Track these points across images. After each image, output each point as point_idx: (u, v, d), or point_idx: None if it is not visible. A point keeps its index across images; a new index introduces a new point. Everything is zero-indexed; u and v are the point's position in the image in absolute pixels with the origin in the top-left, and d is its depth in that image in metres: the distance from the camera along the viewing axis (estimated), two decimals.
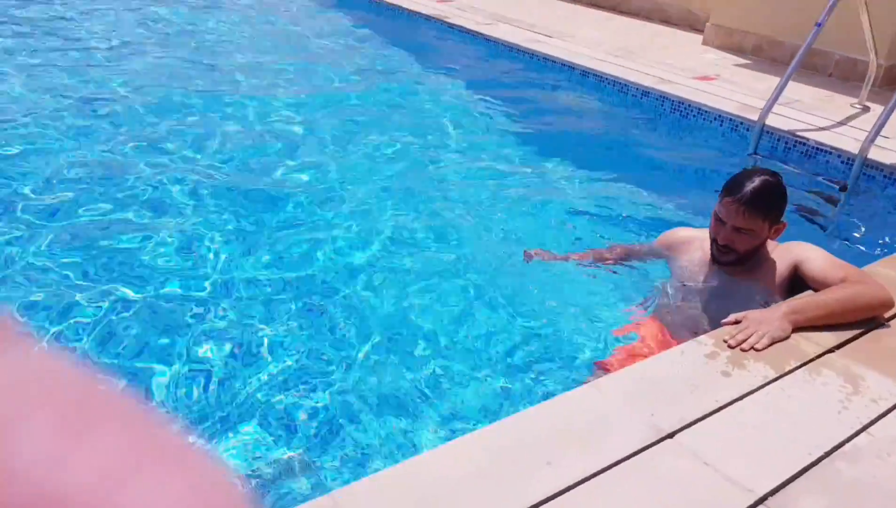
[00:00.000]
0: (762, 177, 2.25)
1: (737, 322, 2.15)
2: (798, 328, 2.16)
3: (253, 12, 7.78)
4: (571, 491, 1.50)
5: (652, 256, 2.71)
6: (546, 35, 6.62)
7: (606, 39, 6.72)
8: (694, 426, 1.74)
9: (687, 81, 5.35)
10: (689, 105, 4.92)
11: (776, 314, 2.16)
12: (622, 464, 1.59)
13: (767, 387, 1.92)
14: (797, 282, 2.34)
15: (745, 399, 1.86)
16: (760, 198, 2.23)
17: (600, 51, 6.14)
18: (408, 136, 4.42)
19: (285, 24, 7.52)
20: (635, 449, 1.65)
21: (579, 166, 4.16)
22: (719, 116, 4.75)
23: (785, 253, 2.36)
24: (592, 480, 1.54)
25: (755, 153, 4.37)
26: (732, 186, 2.25)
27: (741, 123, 4.62)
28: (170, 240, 3.03)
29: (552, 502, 1.47)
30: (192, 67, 5.43)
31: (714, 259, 2.39)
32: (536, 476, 1.53)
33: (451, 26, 6.91)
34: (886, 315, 2.28)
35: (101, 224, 3.13)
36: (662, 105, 5.10)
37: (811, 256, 2.31)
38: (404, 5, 7.58)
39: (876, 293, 2.19)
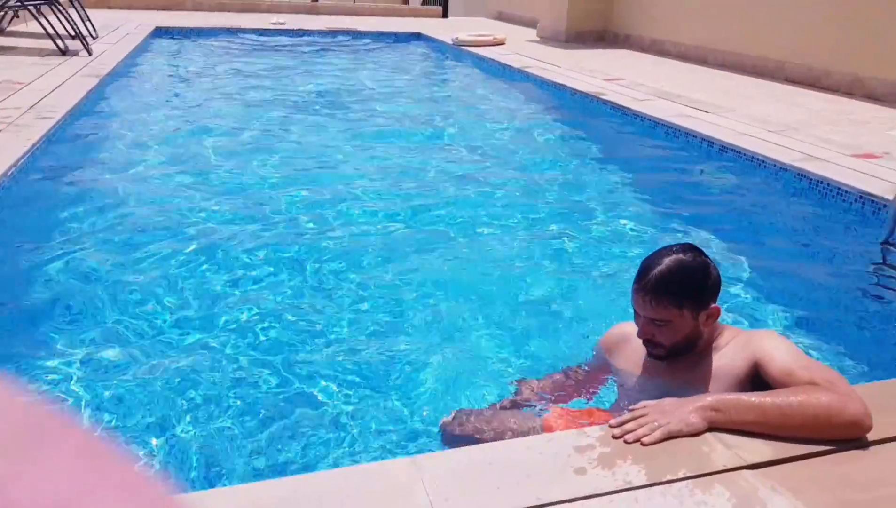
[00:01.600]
0: (673, 257, 1.85)
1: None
2: (726, 431, 1.72)
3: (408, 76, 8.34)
4: None
5: (597, 368, 2.23)
6: (702, 110, 6.17)
7: (773, 115, 6.07)
8: None
9: (838, 159, 4.62)
10: (825, 183, 4.23)
11: (688, 406, 1.75)
12: None
13: (618, 494, 1.54)
14: (760, 385, 1.86)
15: (573, 503, 1.52)
16: (669, 283, 1.83)
17: (755, 127, 5.56)
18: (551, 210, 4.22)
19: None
20: None
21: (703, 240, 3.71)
22: (858, 195, 4.02)
23: (744, 346, 1.89)
24: None
25: (888, 242, 3.60)
26: (640, 270, 1.88)
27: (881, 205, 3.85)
28: None
29: None
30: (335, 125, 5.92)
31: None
32: None
33: (605, 102, 6.75)
34: (870, 437, 1.72)
35: None
36: (799, 182, 4.45)
37: (774, 351, 1.83)
38: (567, 83, 7.59)
39: (843, 407, 1.66)
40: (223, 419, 2.25)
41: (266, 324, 2.80)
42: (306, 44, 11.38)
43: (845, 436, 1.69)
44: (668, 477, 1.59)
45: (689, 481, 1.59)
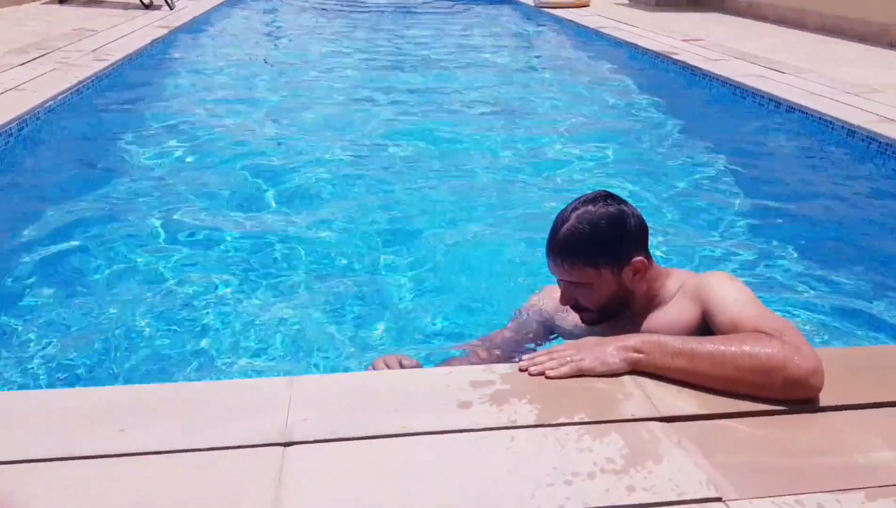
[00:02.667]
0: (580, 211, 1.61)
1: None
2: (651, 376, 1.51)
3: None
4: None
5: (541, 327, 1.93)
6: (778, 70, 5.64)
7: (857, 77, 5.46)
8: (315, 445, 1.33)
9: None
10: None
11: (609, 345, 1.54)
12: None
13: (494, 432, 1.37)
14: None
15: (440, 436, 1.36)
16: (578, 241, 1.59)
17: (831, 88, 5.02)
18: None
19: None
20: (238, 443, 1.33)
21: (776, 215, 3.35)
22: None
23: (692, 295, 1.63)
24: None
25: None
26: (551, 229, 1.64)
27: None
28: None
29: None
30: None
31: None
32: None
33: (674, 62, 6.31)
34: (824, 402, 1.46)
35: None
36: (868, 147, 3.97)
37: (722, 298, 1.55)
38: (638, 42, 7.15)
39: (786, 360, 1.39)
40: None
41: None
42: (387, 5, 11.32)
43: (789, 395, 1.43)
44: (560, 420, 1.40)
45: (583, 426, 1.39)
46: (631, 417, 1.42)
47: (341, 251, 2.82)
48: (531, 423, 1.39)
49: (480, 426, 1.38)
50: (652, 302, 1.70)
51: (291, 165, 3.62)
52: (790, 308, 2.41)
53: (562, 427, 1.38)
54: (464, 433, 1.36)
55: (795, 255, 2.86)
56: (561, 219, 1.63)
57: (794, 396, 1.44)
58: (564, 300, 1.68)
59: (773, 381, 1.41)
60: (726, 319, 1.52)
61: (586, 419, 1.41)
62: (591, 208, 1.62)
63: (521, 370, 1.56)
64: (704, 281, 1.65)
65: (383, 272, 2.69)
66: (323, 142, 4.08)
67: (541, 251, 1.71)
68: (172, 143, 3.87)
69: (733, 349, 1.44)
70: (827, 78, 5.39)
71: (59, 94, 4.13)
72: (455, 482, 1.24)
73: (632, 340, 1.54)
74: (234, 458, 1.28)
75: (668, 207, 3.34)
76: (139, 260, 2.67)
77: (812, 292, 2.56)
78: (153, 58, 5.93)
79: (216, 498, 1.19)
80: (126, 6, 8.34)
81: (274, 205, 3.23)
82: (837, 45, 7.38)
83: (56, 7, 7.91)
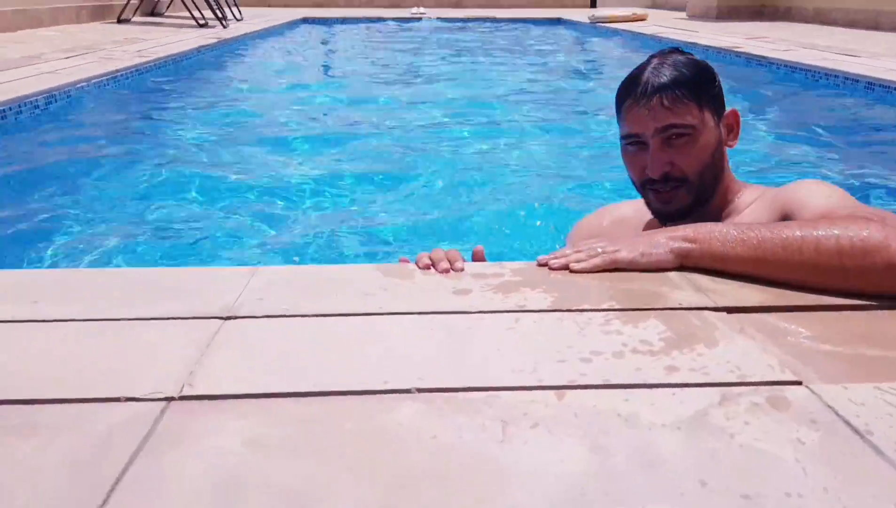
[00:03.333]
0: (670, 55, 1.32)
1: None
2: (706, 272, 1.17)
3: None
4: None
5: None
6: (852, 56, 5.20)
7: None
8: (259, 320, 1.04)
9: None
10: None
11: (653, 235, 1.22)
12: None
13: (492, 315, 1.05)
14: None
15: (421, 316, 1.05)
16: (678, 70, 1.28)
17: None
18: None
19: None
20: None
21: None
22: None
23: (772, 200, 1.29)
24: None
25: None
26: (629, 83, 1.31)
27: None
28: None
29: None
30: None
31: (662, 221, 1.35)
32: None
33: (739, 54, 5.93)
34: None
35: None
36: None
37: (809, 197, 1.21)
38: (698, 41, 6.80)
39: (887, 239, 1.04)
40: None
41: None
42: (440, 29, 11.28)
43: (890, 284, 1.07)
44: (583, 307, 1.08)
45: (613, 312, 1.06)
46: (678, 306, 1.08)
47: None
48: (545, 308, 1.08)
49: (477, 309, 1.07)
50: (725, 209, 1.36)
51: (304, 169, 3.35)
52: None
53: (584, 313, 1.06)
54: (454, 315, 1.06)
55: None
56: (646, 66, 1.31)
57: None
58: (657, 167, 1.27)
59: (872, 264, 1.05)
60: (811, 214, 1.17)
61: (617, 307, 1.08)
62: (678, 54, 1.33)
63: (539, 264, 1.25)
64: (787, 187, 1.31)
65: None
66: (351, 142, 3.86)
67: None
68: (193, 134, 3.67)
69: (817, 232, 1.08)
70: None
71: (93, 77, 4.08)
72: (430, 354, 0.93)
73: (681, 229, 1.21)
74: (163, 328, 1.01)
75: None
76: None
77: None
78: (195, 61, 5.92)
79: (133, 355, 0.93)
80: (181, 26, 8.51)
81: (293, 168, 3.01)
82: None
83: (114, 25, 8.14)
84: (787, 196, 1.27)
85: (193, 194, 2.63)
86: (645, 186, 1.32)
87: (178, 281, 1.21)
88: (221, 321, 1.02)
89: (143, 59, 4.96)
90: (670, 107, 1.25)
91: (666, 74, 1.27)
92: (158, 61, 5.12)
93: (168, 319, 1.03)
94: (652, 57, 1.34)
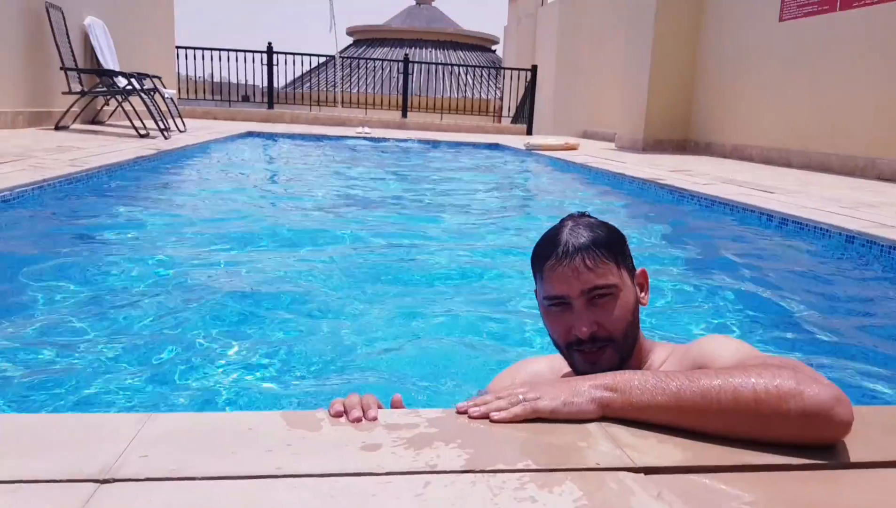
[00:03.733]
0: (580, 218, 1.36)
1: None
2: (627, 423, 1.15)
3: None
4: None
5: None
6: (768, 191, 5.54)
7: (849, 196, 5.35)
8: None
9: None
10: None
11: (574, 383, 1.20)
12: None
13: (402, 476, 0.99)
14: None
15: (321, 479, 0.97)
16: (594, 232, 1.31)
17: (824, 203, 4.88)
18: None
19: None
20: None
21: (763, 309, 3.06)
22: None
23: (682, 357, 1.31)
24: None
25: None
26: (548, 244, 1.32)
27: None
28: None
29: None
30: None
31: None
32: None
33: (662, 186, 6.24)
34: (861, 457, 1.09)
35: None
36: (870, 250, 3.73)
37: (719, 350, 1.24)
38: (625, 172, 7.15)
39: (801, 387, 1.04)
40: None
41: None
42: (382, 149, 11.59)
43: (807, 432, 1.07)
44: (498, 466, 1.02)
45: (528, 474, 1.01)
46: (595, 466, 1.04)
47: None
48: (456, 469, 1.02)
49: (385, 471, 1.00)
50: (641, 368, 1.36)
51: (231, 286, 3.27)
52: None
53: (498, 474, 1.01)
54: (359, 478, 0.98)
55: (805, 338, 2.52)
56: (560, 229, 1.33)
57: (815, 433, 1.08)
58: (585, 327, 1.26)
59: (786, 413, 1.06)
60: (724, 364, 1.19)
61: (533, 467, 1.03)
62: (588, 218, 1.37)
63: (458, 412, 1.20)
64: (697, 343, 1.34)
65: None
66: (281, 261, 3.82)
67: None
68: (114, 250, 3.48)
69: (734, 379, 1.09)
70: (816, 197, 5.27)
71: (18, 186, 3.95)
72: None
73: (601, 377, 1.19)
74: (18, 497, 0.89)
75: (664, 310, 3.03)
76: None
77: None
78: (130, 171, 5.85)
79: None
80: (122, 135, 8.49)
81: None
82: (824, 177, 7.39)
83: (51, 132, 8.04)
84: (698, 351, 1.29)
85: (95, 320, 2.43)
86: (570, 348, 1.30)
87: (54, 430, 1.10)
88: (97, 484, 0.92)
89: (75, 169, 4.87)
90: (593, 267, 1.27)
91: (584, 235, 1.30)
92: (91, 171, 5.03)
93: (31, 482, 0.92)
94: (565, 219, 1.37)
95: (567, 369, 1.38)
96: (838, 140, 8.07)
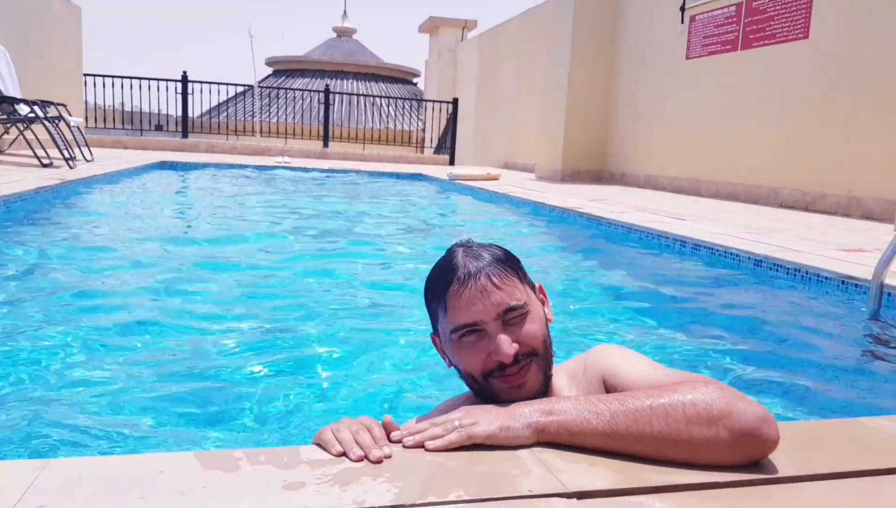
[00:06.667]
0: (468, 243, 1.33)
1: None
2: (561, 447, 1.13)
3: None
4: None
5: None
6: (680, 219, 5.76)
7: (756, 223, 5.62)
8: None
9: (823, 252, 4.10)
10: (803, 270, 3.68)
11: (508, 408, 1.17)
12: None
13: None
14: None
15: None
16: (490, 252, 1.29)
17: (733, 228, 5.10)
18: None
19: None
20: None
21: (666, 324, 3.12)
22: (828, 277, 3.45)
23: (583, 374, 1.32)
24: None
25: (876, 317, 3.00)
26: (444, 272, 1.27)
27: (856, 285, 3.28)
28: None
29: None
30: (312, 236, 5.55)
31: None
32: None
33: (581, 214, 6.39)
34: (788, 471, 1.10)
35: None
36: (777, 272, 3.91)
37: (620, 364, 1.26)
38: (545, 201, 7.31)
39: (729, 406, 1.05)
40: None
41: None
42: (303, 179, 11.43)
43: (738, 451, 1.08)
44: (428, 500, 0.98)
45: (460, 505, 0.97)
46: (528, 493, 1.01)
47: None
48: (385, 504, 0.97)
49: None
50: (554, 393, 1.34)
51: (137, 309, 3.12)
52: None
53: (429, 507, 0.96)
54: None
55: (727, 358, 2.59)
56: (452, 257, 1.29)
57: (744, 453, 1.09)
58: (506, 349, 1.20)
59: (716, 433, 1.06)
60: (638, 381, 1.20)
61: (465, 498, 0.99)
62: (475, 242, 1.34)
63: (392, 441, 1.15)
64: (592, 357, 1.35)
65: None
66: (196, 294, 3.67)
67: None
68: (9, 286, 3.28)
69: (663, 400, 1.09)
70: (725, 223, 5.51)
71: None
72: None
73: (535, 404, 1.17)
74: None
75: (583, 334, 3.06)
76: None
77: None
78: (30, 203, 5.52)
79: None
80: (22, 165, 8.05)
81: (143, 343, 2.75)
82: (732, 205, 7.77)
83: None
84: (601, 367, 1.29)
85: None
86: (489, 377, 1.24)
87: None
88: None
89: None
90: (500, 285, 1.23)
91: (482, 255, 1.28)
92: None
93: None
94: (453, 247, 1.32)
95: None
96: (743, 170, 8.52)
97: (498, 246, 1.33)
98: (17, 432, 1.77)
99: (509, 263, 1.29)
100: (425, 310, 1.34)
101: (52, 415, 1.89)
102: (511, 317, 1.23)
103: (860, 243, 4.67)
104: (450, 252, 1.31)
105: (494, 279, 1.23)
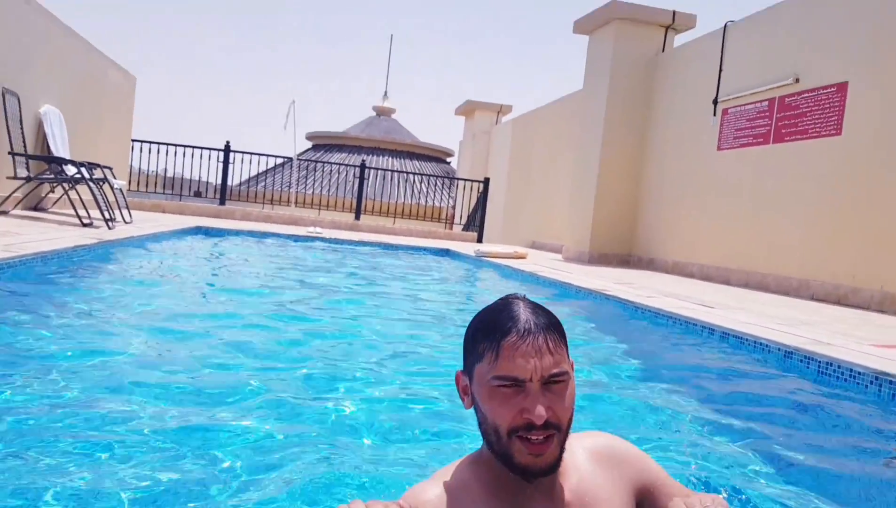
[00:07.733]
0: (522, 297, 1.32)
1: None
2: None
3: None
4: None
5: None
6: (707, 306, 5.67)
7: (785, 314, 5.51)
8: None
9: (856, 346, 3.99)
10: (835, 364, 3.58)
11: None
12: None
13: None
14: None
15: None
16: (547, 314, 1.28)
17: (763, 319, 5.01)
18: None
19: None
20: None
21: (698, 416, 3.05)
22: (861, 372, 3.34)
23: (613, 461, 1.32)
24: None
25: None
26: (502, 319, 1.25)
27: (890, 381, 3.17)
28: None
29: None
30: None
31: (525, 478, 1.23)
32: None
33: (608, 297, 6.35)
34: None
35: None
36: (808, 365, 3.80)
37: (656, 466, 1.34)
38: (571, 281, 7.27)
39: None
40: None
41: None
42: (331, 250, 11.59)
43: None
44: None
45: None
46: None
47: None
48: None
49: None
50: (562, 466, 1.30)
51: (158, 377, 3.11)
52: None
53: None
54: None
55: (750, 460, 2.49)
56: (513, 306, 1.28)
57: None
58: (543, 410, 1.18)
59: None
60: (671, 492, 1.23)
61: None
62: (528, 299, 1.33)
63: None
64: (610, 447, 1.38)
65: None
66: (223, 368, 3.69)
67: None
68: (40, 347, 3.26)
69: None
70: (755, 313, 5.41)
71: None
72: None
73: None
74: None
75: (615, 418, 2.98)
76: None
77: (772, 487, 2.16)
78: (67, 260, 5.66)
79: None
80: (64, 223, 8.30)
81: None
82: (761, 295, 7.65)
83: None
84: (641, 473, 1.29)
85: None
86: (513, 434, 1.20)
87: None
88: None
89: (8, 254, 4.69)
90: (554, 350, 1.22)
91: (543, 315, 1.26)
92: (24, 258, 4.85)
93: None
94: (510, 298, 1.31)
95: (459, 489, 1.26)
96: (774, 261, 8.43)
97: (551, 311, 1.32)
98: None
99: (562, 330, 1.28)
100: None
101: (68, 471, 1.88)
102: (552, 384, 1.21)
103: (894, 340, 4.54)
104: (509, 301, 1.29)
105: (551, 344, 1.22)
